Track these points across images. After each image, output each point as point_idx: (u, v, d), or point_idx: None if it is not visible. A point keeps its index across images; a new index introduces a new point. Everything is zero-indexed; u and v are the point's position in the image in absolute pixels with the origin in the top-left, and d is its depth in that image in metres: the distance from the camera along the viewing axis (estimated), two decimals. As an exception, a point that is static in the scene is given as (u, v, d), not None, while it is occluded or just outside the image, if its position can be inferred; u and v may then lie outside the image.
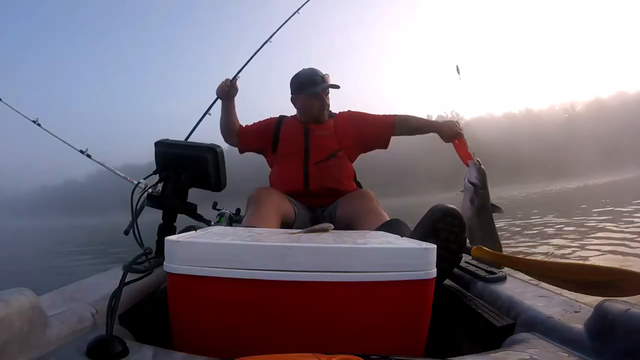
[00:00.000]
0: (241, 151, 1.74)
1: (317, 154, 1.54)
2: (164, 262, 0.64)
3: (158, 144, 1.25)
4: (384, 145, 1.66)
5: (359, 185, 1.67)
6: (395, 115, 1.61)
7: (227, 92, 1.65)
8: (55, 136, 1.63)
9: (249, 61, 1.86)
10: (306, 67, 1.65)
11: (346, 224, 1.38)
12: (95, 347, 0.52)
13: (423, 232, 0.91)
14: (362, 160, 1.70)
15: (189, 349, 0.59)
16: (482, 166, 1.25)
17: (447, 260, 0.87)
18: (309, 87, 1.57)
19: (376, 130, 1.62)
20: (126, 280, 0.65)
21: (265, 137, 1.66)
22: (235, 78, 1.70)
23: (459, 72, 1.41)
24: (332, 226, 0.91)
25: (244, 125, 1.72)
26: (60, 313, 0.62)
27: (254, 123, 1.74)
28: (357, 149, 1.66)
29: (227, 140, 1.72)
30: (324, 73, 1.62)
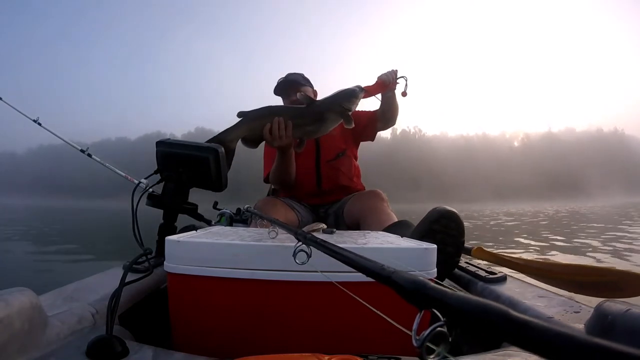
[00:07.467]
0: None
1: (327, 152, 1.58)
2: (165, 262, 0.64)
3: (159, 144, 1.24)
4: (372, 137, 1.68)
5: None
6: (376, 110, 1.63)
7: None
8: (56, 135, 1.63)
9: None
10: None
11: (353, 221, 1.39)
12: (95, 347, 0.52)
13: (420, 233, 0.91)
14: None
15: (189, 349, 0.59)
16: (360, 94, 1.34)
17: (442, 263, 0.86)
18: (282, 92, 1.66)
19: (365, 123, 1.63)
20: (126, 280, 0.65)
21: None
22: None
23: (406, 87, 1.45)
24: (325, 225, 0.91)
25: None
26: (60, 313, 0.62)
27: None
28: (356, 145, 1.69)
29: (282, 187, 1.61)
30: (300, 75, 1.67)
